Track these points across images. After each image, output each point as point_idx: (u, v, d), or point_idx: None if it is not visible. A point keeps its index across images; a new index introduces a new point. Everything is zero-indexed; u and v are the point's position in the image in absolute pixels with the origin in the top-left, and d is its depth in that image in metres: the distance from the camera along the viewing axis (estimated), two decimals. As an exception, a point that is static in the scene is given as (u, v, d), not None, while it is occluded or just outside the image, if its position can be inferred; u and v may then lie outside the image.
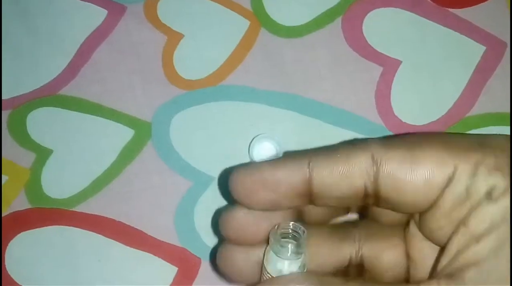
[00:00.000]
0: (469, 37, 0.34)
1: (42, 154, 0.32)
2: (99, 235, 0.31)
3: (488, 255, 0.19)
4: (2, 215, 0.31)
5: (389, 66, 0.34)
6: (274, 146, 0.31)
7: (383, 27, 0.35)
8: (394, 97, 0.33)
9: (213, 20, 0.35)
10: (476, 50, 0.34)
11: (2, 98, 0.33)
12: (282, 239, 0.22)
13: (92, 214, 0.31)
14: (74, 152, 0.32)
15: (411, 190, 0.20)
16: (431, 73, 0.34)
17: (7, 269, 0.30)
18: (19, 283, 0.30)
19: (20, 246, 0.30)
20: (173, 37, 0.34)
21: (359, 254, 0.24)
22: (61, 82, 0.33)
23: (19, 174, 0.32)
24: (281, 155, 0.31)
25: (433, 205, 0.21)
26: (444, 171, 0.20)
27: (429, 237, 0.22)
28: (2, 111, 0.33)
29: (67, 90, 0.33)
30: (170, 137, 0.32)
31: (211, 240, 0.31)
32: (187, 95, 0.33)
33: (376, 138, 0.21)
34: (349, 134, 0.32)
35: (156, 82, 0.33)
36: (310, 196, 0.21)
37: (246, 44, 0.34)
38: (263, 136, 0.32)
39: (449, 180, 0.20)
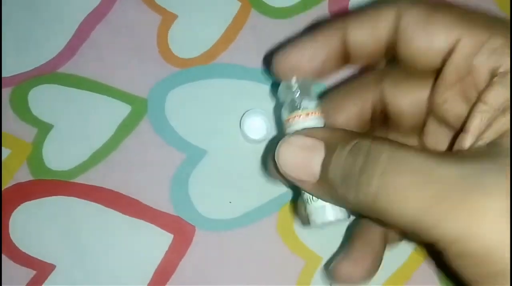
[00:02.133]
0: None
1: (43, 129, 0.33)
2: (98, 205, 0.31)
3: None
4: (6, 186, 0.32)
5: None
6: (263, 120, 0.32)
7: None
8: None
9: (206, 1, 0.35)
10: None
11: (4, 76, 0.33)
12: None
13: (91, 185, 0.32)
14: (74, 126, 0.33)
15: (418, 51, 0.21)
16: None
17: (11, 236, 0.31)
18: (22, 250, 0.31)
19: (23, 216, 0.31)
20: (168, 17, 0.35)
21: (382, 102, 0.25)
22: (61, 60, 0.34)
23: (21, 147, 0.32)
24: (270, 130, 0.32)
25: (437, 74, 0.21)
26: (446, 40, 0.21)
27: (438, 116, 0.22)
28: (5, 89, 0.33)
29: (67, 68, 0.34)
30: (165, 113, 0.33)
31: (204, 209, 0.32)
32: (181, 73, 0.34)
33: None
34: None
35: (152, 60, 0.34)
36: (346, 56, 0.23)
37: (237, 24, 0.35)
38: (253, 111, 0.32)
39: (451, 50, 0.21)
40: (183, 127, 0.33)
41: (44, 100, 0.33)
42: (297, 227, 0.32)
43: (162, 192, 0.32)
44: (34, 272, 0.31)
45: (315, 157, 0.21)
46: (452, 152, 0.21)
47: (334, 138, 0.21)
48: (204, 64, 0.34)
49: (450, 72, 0.21)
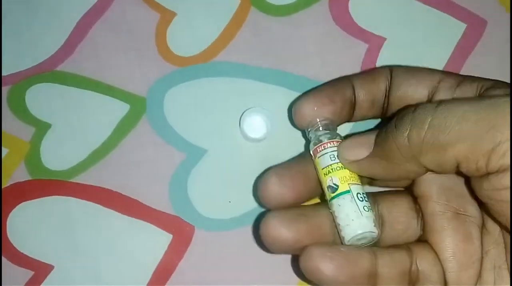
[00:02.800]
0: (450, 14, 0.35)
1: (41, 128, 0.33)
2: (96, 205, 0.31)
3: None
4: (3, 186, 0.32)
5: (374, 43, 0.34)
6: (263, 119, 0.32)
7: (369, 6, 0.35)
8: (379, 73, 0.34)
9: None
10: (456, 28, 0.35)
11: (1, 74, 0.33)
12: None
13: (89, 185, 0.32)
14: (72, 125, 0.33)
15: (407, 98, 0.28)
16: (414, 50, 0.34)
17: (8, 236, 0.31)
18: (20, 250, 0.31)
19: (21, 216, 0.31)
20: (166, 15, 0.35)
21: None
22: (59, 59, 0.34)
23: (19, 146, 0.32)
24: (270, 128, 0.32)
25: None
26: (429, 83, 0.27)
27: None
28: (2, 88, 0.33)
29: (65, 67, 0.33)
30: (164, 112, 0.33)
31: (204, 209, 0.32)
32: (180, 71, 0.34)
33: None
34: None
35: (150, 59, 0.34)
36: (353, 104, 0.29)
37: (236, 22, 0.34)
38: (253, 110, 0.32)
39: (433, 90, 0.27)
40: (182, 126, 0.33)
41: (42, 99, 0.33)
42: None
43: (161, 192, 0.32)
44: (32, 272, 0.31)
45: (368, 139, 0.26)
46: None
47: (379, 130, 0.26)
48: (203, 63, 0.34)
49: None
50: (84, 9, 0.35)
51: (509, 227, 0.23)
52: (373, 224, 0.26)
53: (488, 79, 0.26)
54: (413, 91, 0.28)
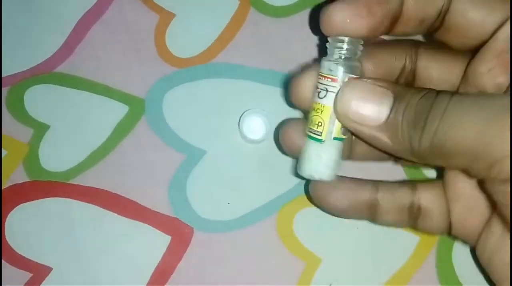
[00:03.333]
0: None
1: (40, 129, 0.32)
2: (95, 206, 0.31)
3: None
4: (2, 188, 0.31)
5: (374, 44, 0.35)
6: (263, 121, 0.32)
7: None
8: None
9: (204, 0, 0.35)
10: None
11: (0, 75, 0.33)
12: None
13: (88, 186, 0.32)
14: (71, 127, 0.33)
15: (473, 21, 0.24)
16: None
17: (6, 239, 0.31)
18: (19, 252, 0.31)
19: (19, 217, 0.31)
20: (165, 16, 0.35)
21: (414, 65, 0.27)
22: (57, 60, 0.34)
23: (17, 148, 0.32)
24: (269, 130, 0.32)
25: (485, 45, 0.23)
26: (500, 13, 0.23)
27: (476, 87, 0.24)
28: (1, 89, 0.33)
29: (63, 68, 0.33)
30: (163, 113, 0.33)
31: (203, 210, 0.31)
32: (179, 72, 0.34)
33: None
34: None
35: (149, 60, 0.34)
36: (396, 19, 0.24)
37: (236, 23, 0.34)
38: (252, 111, 0.32)
39: (502, 23, 0.23)
40: (181, 127, 0.33)
41: (41, 100, 0.33)
42: (296, 229, 0.31)
43: (160, 193, 0.32)
44: (31, 274, 0.30)
45: (384, 102, 0.23)
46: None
47: (402, 89, 0.23)
48: (203, 64, 0.34)
49: (497, 43, 0.23)
50: (83, 10, 0.35)
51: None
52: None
53: None
54: (476, 18, 0.24)
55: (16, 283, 0.30)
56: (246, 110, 0.32)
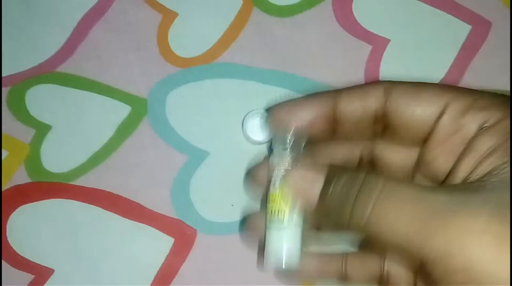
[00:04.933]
0: (455, 16, 0.35)
1: (41, 130, 0.32)
2: (98, 208, 0.31)
3: (503, 162, 0.21)
4: (3, 189, 0.31)
5: (378, 44, 0.34)
6: (266, 122, 0.32)
7: (372, 7, 0.35)
8: (383, 75, 0.34)
9: None
10: (461, 29, 0.34)
11: (2, 75, 0.33)
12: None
13: (90, 187, 0.31)
14: (72, 127, 0.32)
15: (411, 118, 0.24)
16: (418, 52, 0.34)
17: (8, 240, 0.31)
18: (20, 254, 0.30)
19: (21, 218, 0.31)
20: (168, 16, 0.34)
21: (371, 155, 0.27)
22: (59, 59, 0.33)
23: (19, 149, 0.32)
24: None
25: (428, 136, 0.23)
26: (437, 105, 0.23)
27: (427, 174, 0.24)
28: (2, 89, 0.33)
29: (65, 68, 0.33)
30: (165, 114, 0.33)
31: (206, 212, 0.31)
32: (182, 72, 0.33)
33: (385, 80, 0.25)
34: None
35: (152, 60, 0.33)
36: (333, 122, 0.25)
37: (239, 23, 0.34)
38: (255, 112, 0.32)
39: (441, 113, 0.23)
40: (184, 128, 0.33)
41: (42, 100, 0.33)
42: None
43: (163, 194, 0.32)
44: (33, 276, 0.30)
45: (314, 187, 0.23)
46: (441, 185, 0.24)
47: (332, 171, 0.23)
48: (206, 64, 0.34)
49: (439, 132, 0.23)
50: (84, 9, 0.35)
51: None
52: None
53: (501, 108, 0.23)
54: (415, 114, 0.24)
55: (18, 285, 0.30)
56: (250, 111, 0.32)
